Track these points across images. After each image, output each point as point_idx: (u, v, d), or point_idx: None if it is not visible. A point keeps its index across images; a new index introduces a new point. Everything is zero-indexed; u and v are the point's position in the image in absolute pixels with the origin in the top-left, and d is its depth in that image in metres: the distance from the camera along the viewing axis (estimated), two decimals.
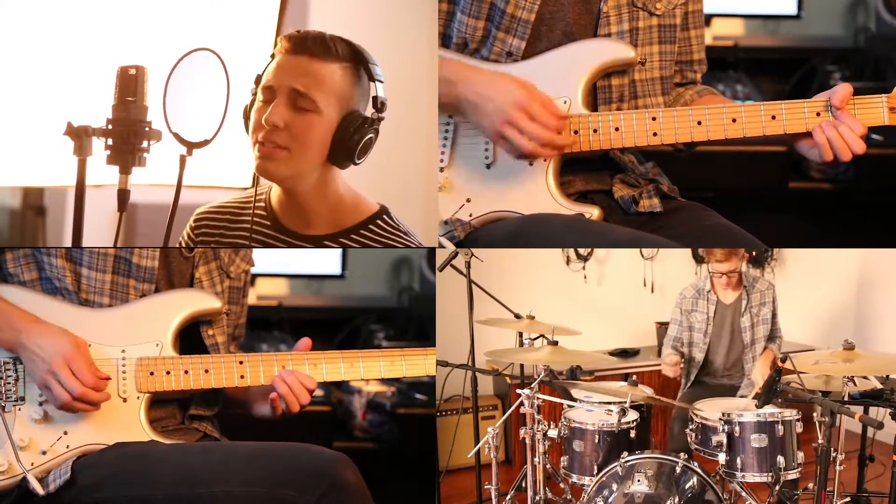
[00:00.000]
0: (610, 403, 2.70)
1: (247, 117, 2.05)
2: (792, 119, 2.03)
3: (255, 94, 2.05)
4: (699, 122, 2.05)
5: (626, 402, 2.67)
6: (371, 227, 2.11)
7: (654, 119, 2.05)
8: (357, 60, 2.05)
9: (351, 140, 2.02)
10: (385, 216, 2.13)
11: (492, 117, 2.00)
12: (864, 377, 2.70)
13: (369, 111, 2.06)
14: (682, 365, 3.27)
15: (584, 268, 4.41)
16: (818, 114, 2.02)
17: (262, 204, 2.16)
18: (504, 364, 3.40)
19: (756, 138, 2.08)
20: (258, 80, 2.05)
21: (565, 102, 2.07)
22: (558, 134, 2.01)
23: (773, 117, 2.03)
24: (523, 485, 2.78)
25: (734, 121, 2.04)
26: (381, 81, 2.07)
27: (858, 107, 2.02)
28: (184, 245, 2.19)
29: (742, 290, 3.24)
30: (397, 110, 2.16)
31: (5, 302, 1.96)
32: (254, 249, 2.22)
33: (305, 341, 2.09)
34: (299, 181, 2.06)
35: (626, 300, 4.50)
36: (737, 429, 2.57)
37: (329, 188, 2.09)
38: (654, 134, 2.06)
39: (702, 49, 2.28)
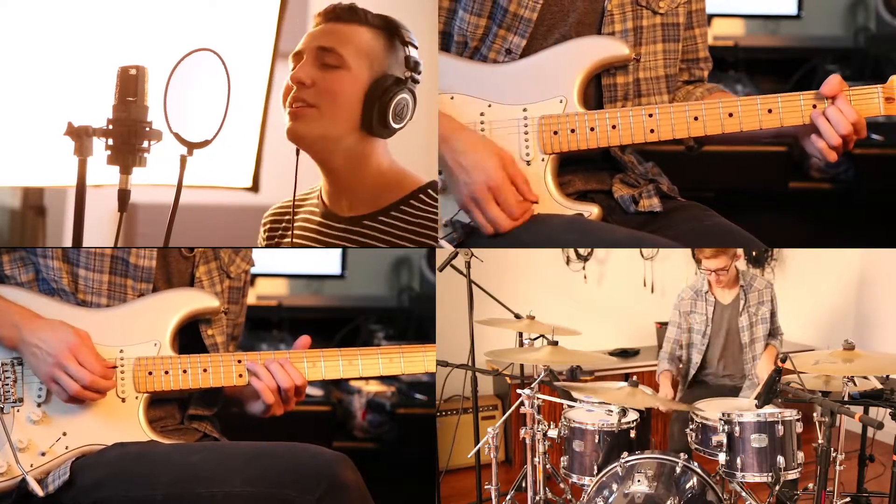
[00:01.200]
0: (610, 403, 2.70)
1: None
2: (788, 112, 2.03)
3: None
4: (696, 118, 2.05)
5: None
6: (412, 202, 2.07)
7: (650, 116, 2.05)
8: (389, 28, 2.07)
9: (381, 100, 2.02)
10: (430, 189, 2.08)
11: (462, 190, 1.99)
12: (864, 377, 2.70)
13: (403, 74, 2.06)
14: (677, 378, 3.27)
15: (584, 268, 4.41)
16: (814, 106, 2.02)
17: (315, 198, 2.16)
18: (504, 364, 3.40)
19: (760, 138, 2.08)
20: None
21: (561, 101, 2.07)
22: (515, 220, 2.00)
23: (770, 111, 2.03)
24: (523, 485, 2.78)
25: (731, 115, 2.04)
26: (416, 46, 2.07)
27: (854, 97, 2.01)
28: (187, 246, 2.20)
29: (739, 290, 3.24)
30: None
31: (3, 299, 1.97)
32: (254, 249, 2.23)
33: (305, 339, 2.09)
34: (332, 146, 2.04)
35: (626, 300, 4.50)
36: (737, 429, 2.57)
37: (369, 163, 2.08)
38: (651, 130, 2.05)
39: (706, 47, 2.29)
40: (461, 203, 2.01)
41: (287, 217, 2.20)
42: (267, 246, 2.22)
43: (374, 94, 2.02)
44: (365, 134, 2.05)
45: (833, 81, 1.99)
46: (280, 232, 2.22)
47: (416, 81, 2.08)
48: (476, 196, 1.98)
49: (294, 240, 2.14)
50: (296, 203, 2.18)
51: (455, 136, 2.00)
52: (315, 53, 2.03)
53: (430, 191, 2.08)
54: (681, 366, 3.30)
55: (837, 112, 1.98)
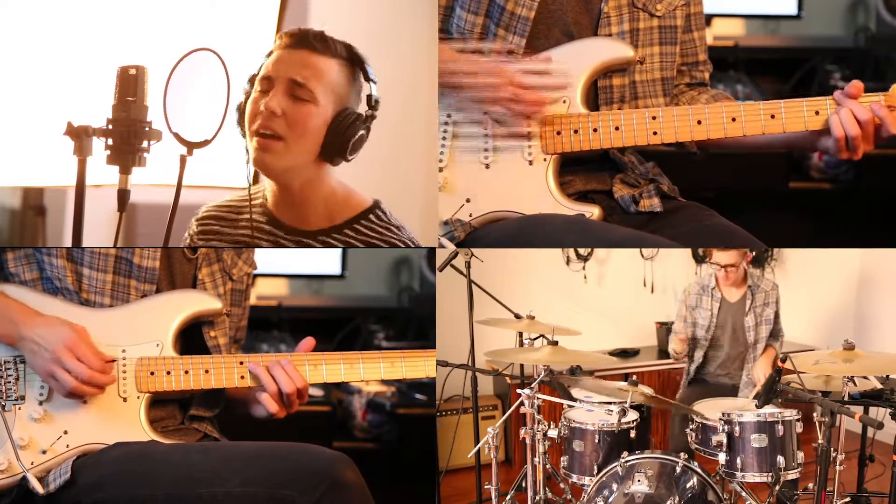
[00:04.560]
0: (610, 403, 2.70)
1: (241, 113, 2.08)
2: (791, 118, 2.03)
3: (248, 92, 2.08)
4: (699, 122, 2.05)
5: (626, 402, 2.67)
6: (364, 221, 2.13)
7: (654, 118, 2.06)
8: (353, 60, 2.10)
9: (343, 135, 2.06)
10: (378, 211, 2.16)
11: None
12: (864, 377, 2.70)
13: (363, 109, 2.10)
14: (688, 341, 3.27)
15: (584, 268, 4.41)
16: (817, 112, 2.02)
17: (259, 201, 2.19)
18: (504, 364, 3.40)
19: (771, 148, 2.09)
20: (252, 78, 2.09)
21: (564, 102, 2.07)
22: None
23: (773, 116, 2.04)
24: (523, 485, 2.77)
25: (734, 120, 2.04)
26: (376, 82, 2.11)
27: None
28: (188, 246, 2.20)
29: (746, 289, 3.24)
30: (396, 109, 2.16)
31: (4, 296, 1.97)
32: (255, 250, 2.23)
33: (308, 342, 2.09)
34: (294, 175, 2.09)
35: (626, 300, 4.50)
36: (737, 429, 2.57)
37: (323, 183, 2.13)
38: (654, 133, 2.06)
39: (705, 50, 2.29)
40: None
41: (227, 220, 2.21)
42: (204, 245, 2.23)
43: (337, 128, 2.06)
44: (321, 160, 2.09)
45: (856, 84, 2.00)
46: (219, 234, 2.21)
47: (373, 118, 2.11)
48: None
49: (252, 239, 2.18)
50: (235, 206, 2.21)
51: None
52: (287, 84, 2.04)
53: (377, 211, 2.15)
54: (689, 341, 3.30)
55: (848, 113, 1.98)
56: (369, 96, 2.10)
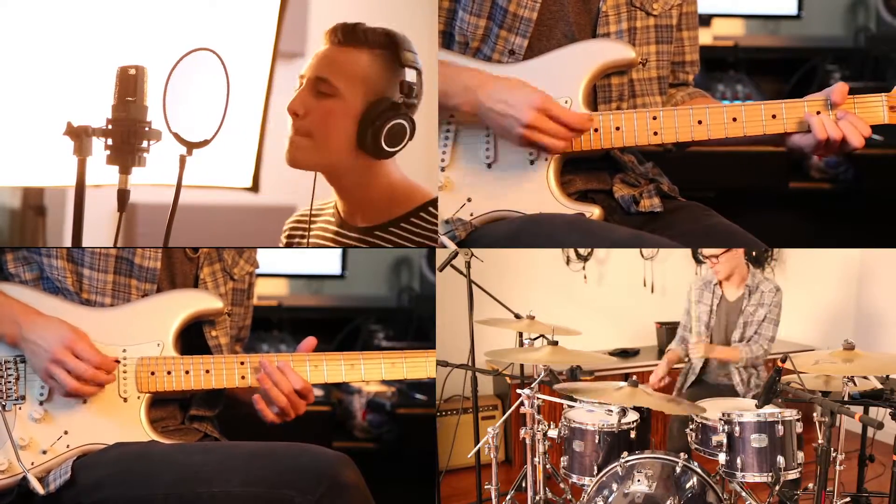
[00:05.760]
0: (610, 403, 2.70)
1: None
2: (792, 118, 2.04)
3: None
4: (700, 122, 2.05)
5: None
6: (421, 214, 2.12)
7: (654, 118, 2.06)
8: (391, 47, 2.09)
9: (373, 126, 2.05)
10: (432, 206, 2.12)
11: (513, 126, 2.00)
12: (864, 377, 2.70)
13: (398, 97, 2.08)
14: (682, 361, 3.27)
15: (584, 268, 4.41)
16: (818, 112, 2.02)
17: (331, 208, 2.22)
18: (504, 364, 3.40)
19: (752, 137, 2.08)
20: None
21: (566, 102, 2.07)
22: (573, 129, 2.02)
23: (774, 116, 2.04)
24: (523, 485, 2.78)
25: (735, 120, 2.04)
26: (415, 68, 2.09)
27: (858, 106, 2.02)
28: (195, 246, 2.21)
29: (745, 290, 3.24)
30: None
31: (5, 296, 1.97)
32: (258, 250, 2.23)
33: (310, 341, 2.09)
34: (332, 169, 2.10)
35: (626, 300, 4.50)
36: (737, 429, 2.57)
37: (377, 180, 2.12)
38: (655, 133, 2.06)
39: (695, 51, 2.28)
40: (518, 139, 2.00)
41: (305, 225, 2.25)
42: (285, 246, 2.27)
43: (367, 119, 2.06)
44: (363, 154, 2.08)
45: (841, 90, 2.00)
46: (297, 239, 2.28)
47: (410, 106, 2.09)
48: (530, 122, 1.98)
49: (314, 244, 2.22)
50: (312, 214, 2.24)
51: (489, 84, 2.02)
52: (311, 81, 2.08)
53: (430, 208, 2.12)
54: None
55: (835, 127, 1.98)
56: (402, 82, 2.07)
